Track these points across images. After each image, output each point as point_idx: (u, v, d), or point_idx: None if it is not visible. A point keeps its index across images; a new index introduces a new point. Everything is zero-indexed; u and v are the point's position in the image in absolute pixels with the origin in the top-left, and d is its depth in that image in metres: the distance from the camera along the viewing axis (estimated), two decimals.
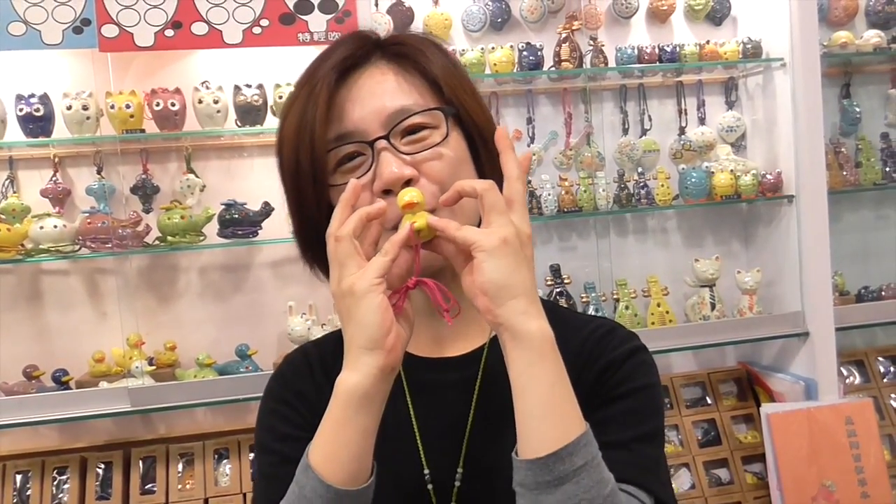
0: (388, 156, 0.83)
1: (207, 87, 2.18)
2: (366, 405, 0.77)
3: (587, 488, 0.72)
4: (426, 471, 0.89)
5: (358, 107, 0.85)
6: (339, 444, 0.77)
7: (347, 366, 0.78)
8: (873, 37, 2.58)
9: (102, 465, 2.23)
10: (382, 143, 0.84)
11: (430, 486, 0.89)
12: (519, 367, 0.75)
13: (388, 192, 0.83)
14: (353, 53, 0.88)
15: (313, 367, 0.97)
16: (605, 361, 0.89)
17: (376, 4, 2.36)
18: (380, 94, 0.86)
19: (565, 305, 2.37)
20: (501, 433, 0.78)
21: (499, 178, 0.84)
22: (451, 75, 0.89)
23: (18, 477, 2.20)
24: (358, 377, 0.76)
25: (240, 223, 2.22)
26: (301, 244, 0.93)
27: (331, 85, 0.85)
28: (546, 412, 0.74)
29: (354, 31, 0.92)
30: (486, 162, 0.89)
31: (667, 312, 2.48)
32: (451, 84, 0.88)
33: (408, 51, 0.89)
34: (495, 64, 2.37)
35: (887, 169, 2.69)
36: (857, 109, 2.70)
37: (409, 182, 0.83)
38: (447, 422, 0.91)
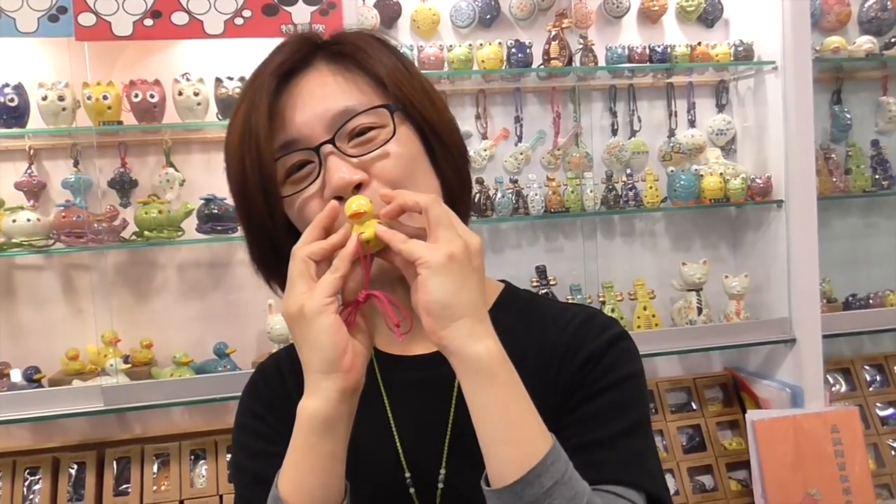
0: (336, 160, 0.80)
1: (188, 79, 2.13)
2: (329, 430, 0.75)
3: None
4: (407, 474, 0.87)
5: (300, 112, 0.81)
6: (305, 472, 0.75)
7: (307, 391, 0.75)
8: (866, 42, 2.56)
9: (75, 466, 2.18)
10: (328, 147, 0.80)
11: (412, 490, 0.87)
12: (471, 391, 0.73)
13: (340, 199, 0.79)
14: (292, 57, 0.84)
15: (284, 374, 0.94)
16: (585, 353, 0.86)
17: None
18: (321, 96, 0.82)
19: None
20: None
21: (454, 171, 0.86)
22: (395, 70, 0.85)
23: None
24: (318, 403, 0.74)
25: (219, 219, 2.16)
26: (254, 258, 0.88)
27: (271, 92, 0.81)
28: (506, 435, 0.72)
29: (295, 34, 0.89)
30: (441, 156, 0.86)
31: (653, 316, 2.45)
32: (395, 80, 0.84)
33: (347, 49, 0.85)
34: (483, 61, 2.33)
35: (877, 176, 2.67)
36: (848, 116, 2.68)
37: (359, 186, 0.79)
38: (427, 421, 0.88)
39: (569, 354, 0.86)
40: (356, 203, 0.75)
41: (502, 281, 0.99)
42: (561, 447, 0.74)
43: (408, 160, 0.82)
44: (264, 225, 0.83)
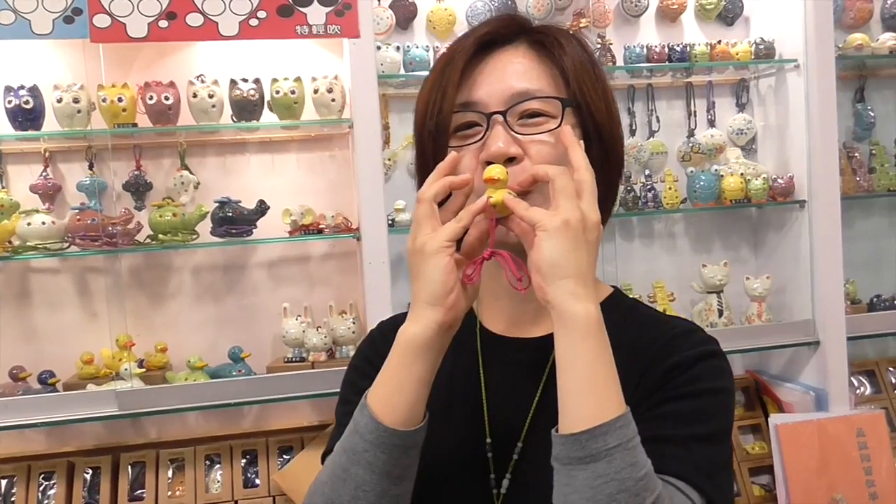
0: (500, 130, 0.88)
1: (202, 81, 2.11)
2: (422, 355, 0.83)
3: (619, 469, 0.73)
4: (488, 439, 0.93)
5: (488, 80, 0.90)
6: (393, 388, 0.83)
7: (410, 317, 0.84)
8: (889, 39, 2.52)
9: (90, 471, 2.17)
10: (499, 118, 0.88)
11: (489, 454, 0.93)
12: (563, 345, 0.78)
13: (490, 164, 0.86)
14: (497, 30, 0.93)
15: None
16: (675, 360, 0.89)
17: None
18: (510, 73, 0.90)
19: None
20: None
21: (604, 179, 0.90)
22: (582, 70, 0.92)
23: (3, 482, 2.13)
24: (417, 328, 0.83)
25: (234, 221, 2.14)
26: None
27: (468, 55, 0.91)
28: (584, 390, 0.76)
29: (507, 13, 0.99)
30: (599, 161, 0.90)
31: None
32: (579, 78, 0.91)
33: (547, 40, 0.93)
34: None
35: None
36: (872, 114, 2.63)
37: (512, 160, 0.87)
38: (515, 398, 0.94)
39: (659, 358, 0.89)
40: (495, 171, 0.83)
41: (612, 286, 1.05)
42: (633, 419, 0.77)
43: (563, 153, 0.86)
44: (427, 167, 0.91)
